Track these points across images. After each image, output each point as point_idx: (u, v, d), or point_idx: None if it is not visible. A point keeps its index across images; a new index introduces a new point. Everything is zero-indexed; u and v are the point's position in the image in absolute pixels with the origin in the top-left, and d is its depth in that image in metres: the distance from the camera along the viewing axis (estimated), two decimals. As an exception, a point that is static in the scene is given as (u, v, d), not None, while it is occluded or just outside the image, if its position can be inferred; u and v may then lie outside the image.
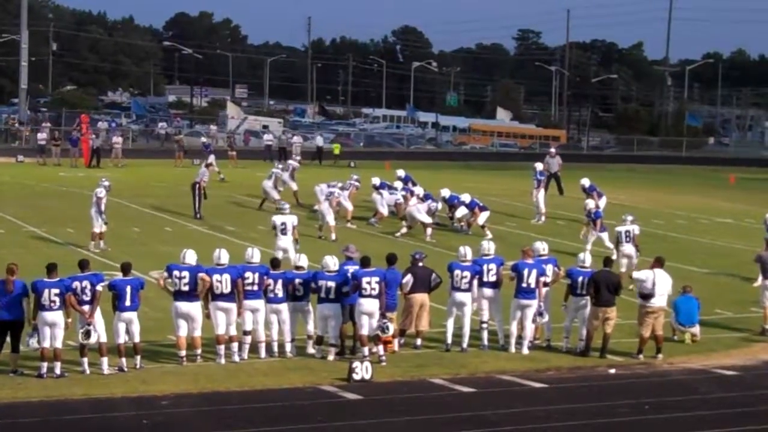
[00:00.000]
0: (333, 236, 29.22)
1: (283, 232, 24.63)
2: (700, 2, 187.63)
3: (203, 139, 54.06)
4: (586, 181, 34.62)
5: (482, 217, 31.50)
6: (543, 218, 35.05)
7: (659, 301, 18.24)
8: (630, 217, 25.39)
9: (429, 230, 30.51)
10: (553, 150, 45.34)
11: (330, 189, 31.69)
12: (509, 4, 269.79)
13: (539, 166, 36.56)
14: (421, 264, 18.60)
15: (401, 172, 35.91)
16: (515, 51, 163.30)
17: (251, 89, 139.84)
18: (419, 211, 30.98)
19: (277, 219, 24.98)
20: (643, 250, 24.42)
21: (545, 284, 18.62)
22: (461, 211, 31.99)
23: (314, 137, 66.41)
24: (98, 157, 51.80)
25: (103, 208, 27.34)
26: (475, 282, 18.32)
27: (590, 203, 29.53)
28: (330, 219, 30.00)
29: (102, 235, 27.26)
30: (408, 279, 18.32)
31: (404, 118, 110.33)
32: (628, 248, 24.34)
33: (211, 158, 43.68)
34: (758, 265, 21.26)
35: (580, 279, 18.36)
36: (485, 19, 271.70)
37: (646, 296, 18.25)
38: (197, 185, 33.53)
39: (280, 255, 21.77)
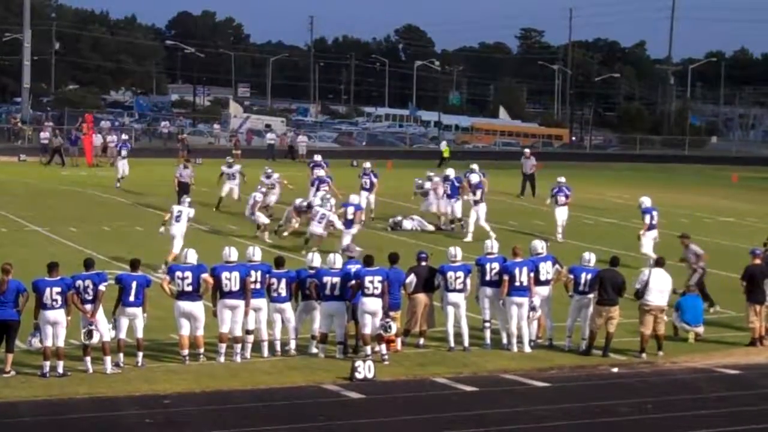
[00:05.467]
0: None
1: (178, 219, 24.81)
2: (702, 1, 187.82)
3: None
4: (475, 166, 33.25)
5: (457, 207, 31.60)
6: (452, 225, 31.87)
7: (657, 299, 18.26)
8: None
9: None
10: (527, 151, 44.83)
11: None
12: (512, 3, 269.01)
13: (451, 172, 32.29)
14: (424, 264, 18.60)
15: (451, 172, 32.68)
16: (518, 50, 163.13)
17: (254, 88, 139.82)
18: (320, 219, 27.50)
19: (175, 208, 25.27)
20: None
21: (544, 282, 18.63)
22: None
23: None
24: (61, 155, 51.58)
25: None
26: (469, 281, 18.32)
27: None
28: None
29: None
30: (411, 279, 18.31)
31: (407, 117, 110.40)
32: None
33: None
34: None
35: (583, 277, 18.37)
36: (488, 18, 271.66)
37: (636, 294, 18.34)
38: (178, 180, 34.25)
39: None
